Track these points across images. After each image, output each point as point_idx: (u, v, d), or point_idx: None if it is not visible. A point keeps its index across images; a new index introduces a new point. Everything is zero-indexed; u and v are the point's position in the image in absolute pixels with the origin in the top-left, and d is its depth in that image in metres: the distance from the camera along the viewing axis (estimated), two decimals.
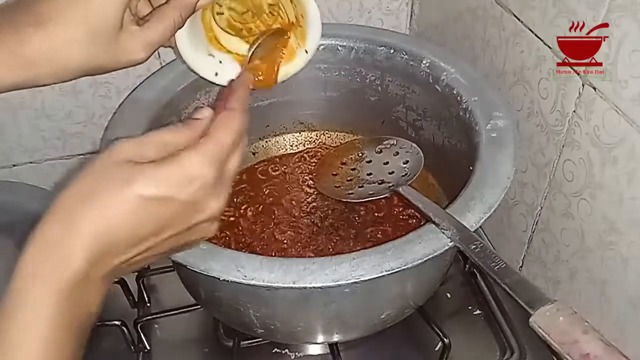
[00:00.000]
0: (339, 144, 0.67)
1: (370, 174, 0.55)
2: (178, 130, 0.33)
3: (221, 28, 0.47)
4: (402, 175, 0.52)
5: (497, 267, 0.37)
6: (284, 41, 0.48)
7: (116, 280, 0.42)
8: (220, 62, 0.48)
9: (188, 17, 0.42)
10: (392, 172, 0.53)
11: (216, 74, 0.48)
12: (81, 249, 0.29)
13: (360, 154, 0.59)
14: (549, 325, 0.32)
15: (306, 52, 0.47)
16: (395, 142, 0.57)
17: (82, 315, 0.30)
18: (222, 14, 0.46)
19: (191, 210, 0.32)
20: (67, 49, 0.37)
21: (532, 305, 0.33)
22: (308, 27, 0.45)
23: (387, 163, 0.55)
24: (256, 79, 0.47)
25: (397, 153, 0.56)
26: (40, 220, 0.29)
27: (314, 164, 0.66)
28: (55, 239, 0.29)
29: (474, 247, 0.38)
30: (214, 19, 0.47)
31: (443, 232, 0.39)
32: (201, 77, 0.48)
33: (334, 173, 0.58)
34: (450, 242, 0.39)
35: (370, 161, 0.57)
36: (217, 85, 0.49)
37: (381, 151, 0.57)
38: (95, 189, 0.29)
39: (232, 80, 0.40)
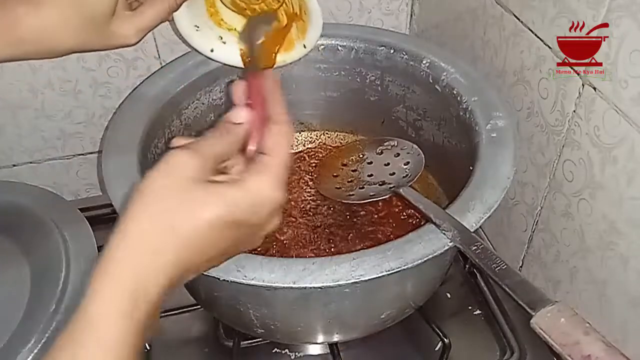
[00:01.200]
0: (339, 144, 0.67)
1: (371, 175, 0.55)
2: (224, 140, 0.33)
3: (224, 4, 0.47)
4: (403, 177, 0.52)
5: (498, 268, 0.37)
6: (286, 29, 0.48)
7: None
8: (221, 37, 0.47)
9: (182, 2, 0.42)
10: (393, 174, 0.53)
11: (212, 50, 0.47)
12: (162, 277, 0.29)
13: (361, 155, 0.59)
14: (549, 327, 0.32)
15: (304, 46, 0.47)
16: (396, 143, 0.57)
17: (144, 332, 0.29)
18: None
19: (258, 230, 0.33)
20: (58, 31, 0.37)
21: (533, 307, 0.33)
22: (309, 23, 0.45)
23: (388, 164, 0.55)
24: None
25: (398, 154, 0.56)
26: (108, 247, 0.28)
27: (314, 164, 0.66)
28: (135, 275, 0.28)
29: (474, 248, 0.38)
30: None
31: (444, 234, 0.39)
32: (195, 50, 0.48)
33: (335, 174, 0.58)
34: (451, 242, 0.39)
35: (371, 162, 0.57)
36: (213, 60, 0.48)
37: (382, 152, 0.57)
38: (169, 216, 0.29)
39: (255, 72, 0.39)
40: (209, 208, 0.30)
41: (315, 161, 0.66)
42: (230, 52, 0.48)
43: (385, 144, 0.58)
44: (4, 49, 0.37)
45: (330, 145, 0.68)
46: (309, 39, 0.47)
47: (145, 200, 0.29)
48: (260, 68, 0.48)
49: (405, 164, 0.54)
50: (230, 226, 0.31)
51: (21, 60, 0.39)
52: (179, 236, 0.29)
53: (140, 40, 0.41)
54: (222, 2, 0.47)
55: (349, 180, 0.57)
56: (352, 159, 0.59)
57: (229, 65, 0.49)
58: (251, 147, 0.35)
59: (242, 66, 0.49)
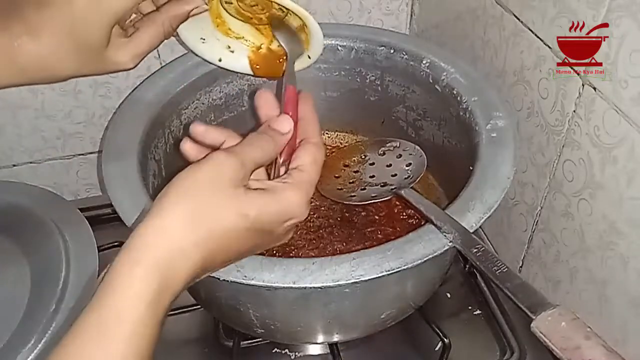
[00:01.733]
0: (339, 144, 0.67)
1: (373, 176, 0.55)
2: (265, 147, 0.34)
3: (230, 14, 0.47)
4: (405, 178, 0.52)
5: (499, 271, 0.37)
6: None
7: None
8: (229, 47, 0.49)
9: (178, 26, 0.42)
10: (395, 175, 0.53)
11: (220, 60, 0.49)
12: (187, 273, 0.30)
13: (363, 156, 0.59)
14: (550, 331, 0.32)
15: (309, 57, 0.48)
16: (398, 144, 0.57)
17: (163, 319, 0.30)
18: (231, 3, 0.46)
19: (275, 239, 0.35)
20: (57, 59, 0.38)
21: (533, 310, 0.33)
22: (311, 35, 0.45)
23: (390, 165, 0.55)
24: (259, 67, 0.49)
25: (400, 155, 0.56)
26: (142, 225, 0.29)
27: None
28: (167, 263, 0.29)
29: (475, 250, 0.38)
30: (222, 6, 0.47)
31: (445, 236, 0.39)
32: (204, 60, 0.49)
33: (336, 175, 0.58)
34: (451, 244, 0.39)
35: (373, 163, 0.57)
36: (221, 68, 0.50)
37: (384, 153, 0.57)
38: (207, 217, 0.30)
39: (292, 86, 0.40)
40: (244, 213, 0.31)
41: None
42: (239, 60, 0.49)
43: (388, 144, 0.58)
44: (8, 78, 0.38)
45: (330, 146, 0.68)
46: (313, 51, 0.47)
47: (184, 192, 0.30)
48: (274, 76, 0.49)
49: (407, 165, 0.54)
50: (255, 232, 0.32)
51: (26, 85, 0.40)
52: (211, 236, 0.30)
53: (138, 64, 0.41)
54: (227, 12, 0.47)
55: (351, 181, 0.57)
56: (353, 160, 0.59)
57: (241, 73, 0.51)
58: (284, 159, 0.37)
59: (251, 73, 0.50)
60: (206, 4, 0.43)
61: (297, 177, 0.34)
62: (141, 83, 0.54)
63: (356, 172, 0.57)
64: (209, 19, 0.47)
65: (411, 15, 0.70)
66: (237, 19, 0.48)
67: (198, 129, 0.36)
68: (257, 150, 0.34)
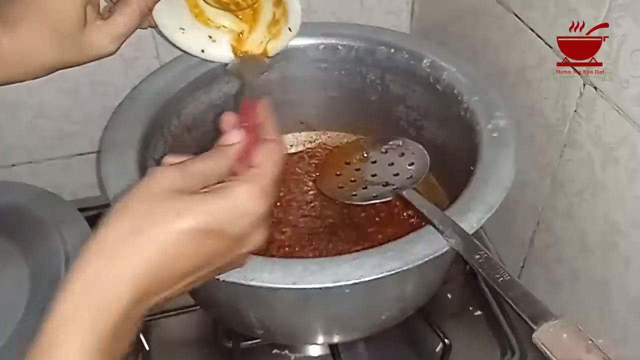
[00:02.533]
0: (339, 144, 0.67)
1: (375, 175, 0.55)
2: (214, 159, 0.32)
3: (207, 3, 0.47)
4: (407, 178, 0.51)
5: (501, 279, 0.36)
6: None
7: None
8: (210, 37, 0.48)
9: (154, 5, 0.42)
10: (397, 174, 0.53)
11: (202, 50, 0.48)
12: (125, 289, 0.27)
13: (364, 154, 0.58)
14: (552, 342, 0.31)
15: (290, 30, 0.47)
16: (401, 143, 0.56)
17: (118, 353, 0.28)
18: None
19: (239, 243, 0.31)
20: (35, 48, 0.38)
21: (535, 320, 0.32)
22: (288, 5, 0.45)
23: (392, 164, 0.55)
24: (246, 53, 0.49)
25: (403, 154, 0.55)
26: (79, 256, 0.28)
27: (314, 164, 0.66)
28: (99, 283, 0.27)
29: (477, 257, 0.37)
30: None
31: (447, 240, 0.39)
32: (187, 52, 0.48)
33: (338, 173, 0.58)
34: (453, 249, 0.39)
35: (375, 162, 0.57)
36: (206, 60, 0.50)
37: (386, 152, 0.57)
38: (144, 224, 0.28)
39: (248, 98, 0.39)
40: (184, 217, 0.28)
41: (316, 161, 0.66)
42: (222, 50, 0.48)
43: (390, 143, 0.57)
44: None
45: (331, 146, 0.67)
46: (292, 23, 0.47)
47: (122, 209, 0.29)
48: (261, 59, 0.48)
49: (409, 165, 0.53)
50: (207, 236, 0.29)
51: (10, 84, 0.39)
52: (149, 246, 0.28)
53: (118, 48, 0.41)
54: (205, 1, 0.47)
55: (352, 179, 0.57)
56: (355, 158, 0.58)
57: (222, 63, 0.50)
58: (241, 166, 0.34)
59: (236, 61, 0.49)
60: None
61: (248, 172, 0.32)
62: (140, 82, 0.54)
63: (357, 170, 0.57)
64: (185, 9, 0.47)
65: (412, 15, 0.70)
66: (215, 7, 0.47)
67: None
68: (201, 160, 0.32)
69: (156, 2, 0.42)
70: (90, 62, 0.41)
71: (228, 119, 0.36)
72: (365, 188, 0.54)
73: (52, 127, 0.67)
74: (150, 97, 0.52)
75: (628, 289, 0.44)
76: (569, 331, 0.31)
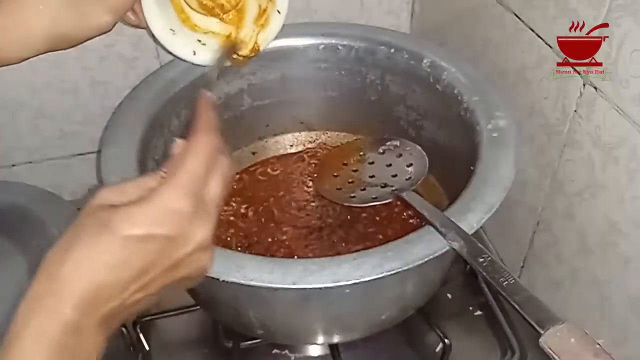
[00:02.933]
0: (339, 144, 0.67)
1: (373, 176, 0.55)
2: (157, 173, 0.33)
3: (193, 9, 0.47)
4: (406, 179, 0.51)
5: (506, 282, 0.35)
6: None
7: None
8: (199, 41, 0.48)
9: None
10: (395, 175, 0.53)
11: (194, 53, 0.48)
12: (69, 299, 0.28)
13: (362, 155, 0.58)
14: (559, 347, 0.31)
15: (279, 12, 0.47)
16: (398, 144, 0.56)
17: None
18: None
19: (174, 244, 0.31)
20: (29, 15, 0.37)
21: (542, 325, 0.32)
22: None
23: (390, 165, 0.54)
24: (239, 52, 0.49)
25: (401, 155, 0.55)
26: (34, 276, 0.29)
27: (313, 164, 0.66)
28: (44, 293, 0.28)
29: (482, 260, 0.37)
30: (185, 1, 0.47)
31: (449, 243, 0.39)
32: (178, 57, 0.48)
33: (335, 174, 0.58)
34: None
35: (372, 162, 0.57)
36: (197, 65, 0.50)
37: (384, 152, 0.57)
38: (74, 239, 0.29)
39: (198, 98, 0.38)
40: (111, 227, 0.29)
41: (315, 161, 0.66)
42: (212, 52, 0.48)
43: (388, 143, 0.57)
44: None
45: (330, 146, 0.67)
46: (280, 4, 0.46)
47: (62, 236, 0.30)
48: (254, 53, 0.48)
49: (408, 166, 0.53)
50: (137, 241, 0.29)
51: (4, 65, 0.39)
52: (75, 260, 0.29)
53: (114, 23, 0.41)
54: (190, 7, 0.47)
55: (350, 180, 0.57)
56: (353, 159, 0.58)
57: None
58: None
59: (228, 64, 0.49)
60: None
61: (170, 173, 0.31)
62: (140, 82, 0.54)
63: (355, 171, 0.57)
64: (174, 13, 0.47)
65: (412, 15, 0.70)
66: (201, 12, 0.48)
67: None
68: (145, 177, 0.33)
69: None
70: (86, 38, 0.40)
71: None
72: (364, 190, 0.54)
73: (52, 127, 0.67)
74: (150, 97, 0.52)
75: (628, 289, 0.44)
76: (576, 335, 0.31)
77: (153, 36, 0.47)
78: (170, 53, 0.49)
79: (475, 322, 0.57)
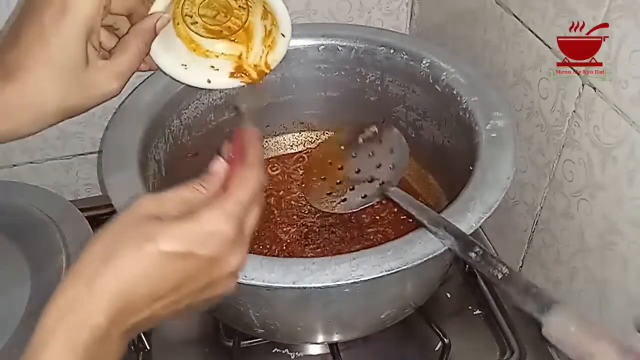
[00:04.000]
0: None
1: (359, 171, 0.54)
2: (196, 187, 0.34)
3: (201, 36, 0.48)
4: (390, 168, 0.51)
5: (500, 274, 0.35)
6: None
7: None
8: (212, 67, 0.49)
9: (151, 42, 0.43)
10: (380, 166, 0.52)
11: (209, 81, 0.49)
12: (102, 306, 0.29)
13: (342, 148, 0.57)
14: (561, 338, 0.31)
15: (283, 35, 0.48)
16: (376, 130, 0.55)
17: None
18: (196, 22, 0.47)
19: (211, 266, 0.32)
20: (40, 93, 0.38)
21: (542, 314, 0.32)
22: (275, 12, 0.46)
23: (373, 154, 0.54)
24: (249, 73, 0.49)
25: (381, 141, 0.54)
26: (63, 279, 0.30)
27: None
28: (77, 297, 0.29)
29: (473, 255, 0.37)
30: (191, 30, 0.47)
31: (441, 241, 0.39)
32: (194, 87, 0.49)
33: (323, 177, 0.58)
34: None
35: (355, 155, 0.56)
36: (214, 90, 0.50)
37: (364, 141, 0.56)
38: (117, 247, 0.30)
39: (241, 128, 0.39)
40: (152, 240, 0.30)
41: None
42: (226, 76, 0.49)
43: (366, 131, 0.56)
44: None
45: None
46: (284, 28, 0.47)
47: (102, 235, 0.31)
48: (264, 73, 0.49)
49: (390, 152, 0.52)
50: (175, 258, 0.30)
51: (16, 139, 0.39)
52: (120, 268, 0.29)
53: (123, 87, 0.42)
54: (197, 34, 0.47)
55: (338, 181, 0.56)
56: (336, 156, 0.57)
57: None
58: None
59: (243, 84, 0.50)
60: (167, 13, 0.43)
61: (218, 197, 0.33)
62: (141, 83, 0.54)
63: (341, 168, 0.57)
64: (182, 45, 0.48)
65: (411, 15, 0.70)
66: (209, 37, 0.48)
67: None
68: (182, 189, 0.34)
69: (152, 39, 0.42)
70: (96, 104, 0.41)
71: (226, 148, 0.37)
72: (353, 189, 0.54)
73: (53, 127, 0.66)
74: (151, 97, 0.52)
75: (627, 289, 0.44)
76: (577, 323, 0.31)
77: (166, 74, 0.48)
78: (183, 83, 0.49)
79: (475, 321, 0.57)
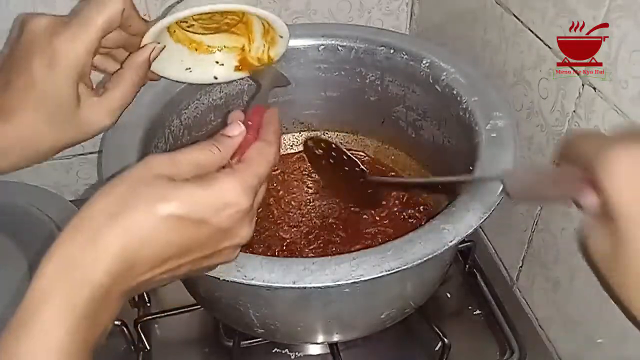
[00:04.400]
0: (339, 143, 0.67)
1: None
2: (210, 149, 0.33)
3: (200, 34, 0.48)
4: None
5: None
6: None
7: None
8: (217, 62, 0.49)
9: (146, 73, 0.43)
10: None
11: (215, 78, 0.50)
12: (105, 263, 0.28)
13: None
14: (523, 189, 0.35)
15: (281, 37, 0.48)
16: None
17: (98, 332, 0.29)
18: (193, 25, 0.47)
19: (221, 235, 0.32)
20: (34, 134, 0.38)
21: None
22: (267, 18, 0.46)
23: None
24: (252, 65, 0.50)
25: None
26: (60, 233, 0.28)
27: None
28: (77, 253, 0.28)
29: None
30: (189, 31, 0.48)
31: None
32: (202, 84, 0.49)
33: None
34: (451, 242, 0.39)
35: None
36: (221, 83, 0.51)
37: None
38: (127, 202, 0.29)
39: (259, 104, 0.40)
40: (166, 202, 0.29)
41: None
42: (232, 69, 0.50)
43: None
44: None
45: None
46: (280, 30, 0.47)
47: (109, 190, 0.29)
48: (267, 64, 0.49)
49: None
50: (187, 223, 0.30)
51: (13, 171, 0.40)
52: (129, 227, 0.28)
53: (117, 120, 0.42)
54: (195, 33, 0.48)
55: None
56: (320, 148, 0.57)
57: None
58: (236, 160, 0.35)
59: (248, 74, 0.50)
60: (158, 43, 0.43)
61: (237, 166, 0.33)
62: None
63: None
64: (183, 49, 0.48)
65: (411, 15, 0.70)
66: (209, 34, 0.48)
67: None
68: (195, 150, 0.33)
69: (146, 71, 0.42)
70: (90, 138, 0.41)
71: (236, 114, 0.37)
72: None
73: None
74: (151, 97, 0.52)
75: None
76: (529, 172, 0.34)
77: (172, 80, 0.48)
78: (192, 84, 0.50)
79: (475, 321, 0.57)
